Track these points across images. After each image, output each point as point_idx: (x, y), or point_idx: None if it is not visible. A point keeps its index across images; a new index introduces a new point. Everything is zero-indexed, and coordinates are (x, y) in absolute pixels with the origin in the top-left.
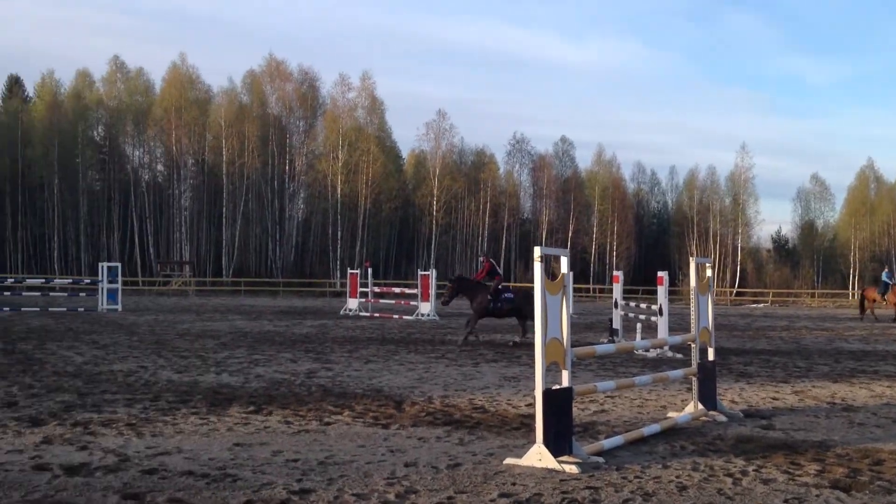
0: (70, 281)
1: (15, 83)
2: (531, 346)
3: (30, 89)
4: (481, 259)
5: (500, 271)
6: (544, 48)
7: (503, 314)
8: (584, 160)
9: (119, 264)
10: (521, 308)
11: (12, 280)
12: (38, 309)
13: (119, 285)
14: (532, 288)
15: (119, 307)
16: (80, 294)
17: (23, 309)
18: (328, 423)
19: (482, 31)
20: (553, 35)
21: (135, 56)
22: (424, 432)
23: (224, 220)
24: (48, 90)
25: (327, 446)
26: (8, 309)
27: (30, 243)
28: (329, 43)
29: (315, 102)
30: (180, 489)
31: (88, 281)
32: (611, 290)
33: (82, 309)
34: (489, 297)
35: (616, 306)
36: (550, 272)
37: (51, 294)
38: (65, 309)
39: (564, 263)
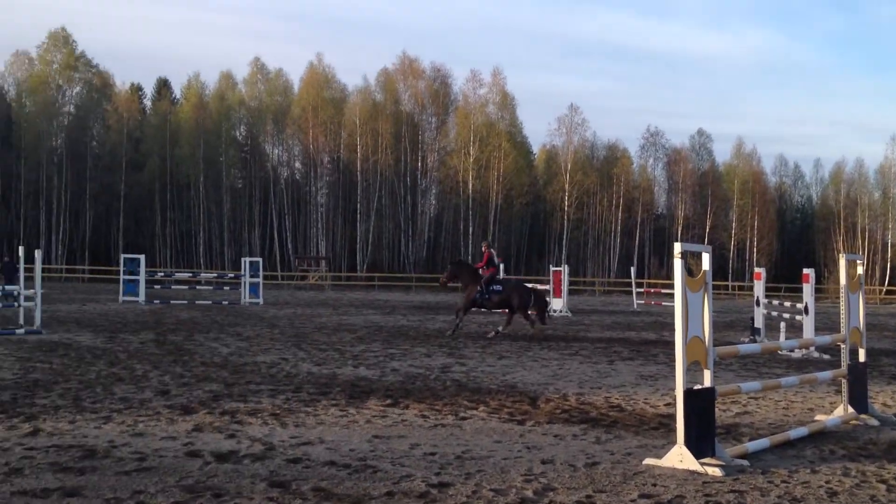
0: (215, 275)
1: (163, 85)
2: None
3: (177, 91)
4: (483, 246)
5: (498, 262)
6: (679, 38)
7: (492, 306)
8: (722, 153)
9: (260, 259)
10: (510, 300)
11: (162, 274)
12: (185, 302)
13: (260, 280)
14: (521, 281)
15: (260, 301)
16: (224, 288)
17: (172, 302)
18: (464, 418)
19: (614, 22)
20: (688, 24)
21: (275, 57)
22: (560, 430)
23: (358, 216)
24: (194, 92)
25: (463, 441)
26: (158, 302)
27: (177, 239)
28: (461, 39)
29: (447, 99)
30: (323, 479)
31: (232, 275)
32: (751, 288)
33: (226, 302)
34: (478, 288)
35: (758, 304)
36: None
37: (197, 287)
38: (210, 302)
39: (705, 260)
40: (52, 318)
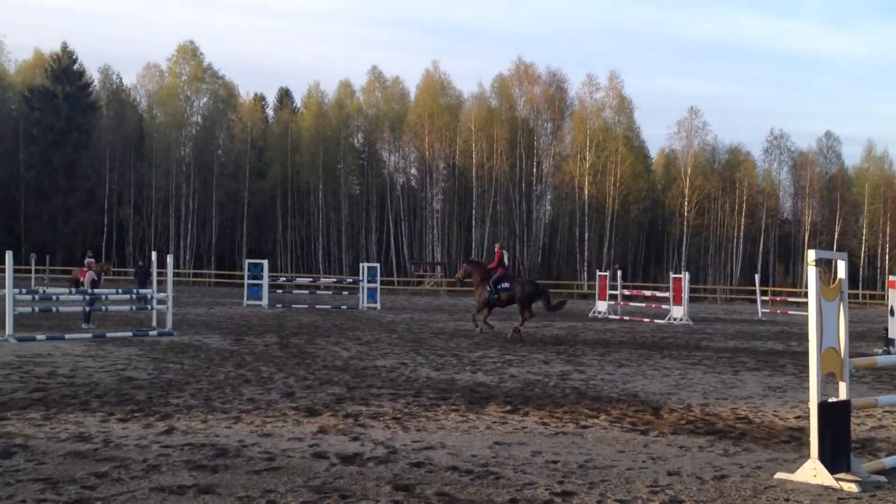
0: (334, 280)
1: (285, 95)
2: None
3: (298, 100)
4: (496, 247)
5: (507, 263)
6: (804, 37)
7: (503, 303)
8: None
9: (378, 265)
10: (516, 294)
11: (284, 279)
12: (306, 306)
13: (378, 285)
14: (530, 278)
15: (378, 305)
16: (343, 292)
17: (293, 306)
18: (585, 427)
19: (735, 22)
20: (813, 23)
21: (392, 66)
22: (685, 441)
23: (473, 221)
24: (314, 101)
25: (586, 450)
26: (280, 306)
27: (297, 244)
28: (576, 44)
29: (562, 104)
30: (447, 483)
31: (350, 280)
32: (883, 297)
33: (345, 307)
34: (488, 288)
35: (892, 314)
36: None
37: (317, 292)
38: (329, 306)
39: (841, 268)
40: (182, 321)
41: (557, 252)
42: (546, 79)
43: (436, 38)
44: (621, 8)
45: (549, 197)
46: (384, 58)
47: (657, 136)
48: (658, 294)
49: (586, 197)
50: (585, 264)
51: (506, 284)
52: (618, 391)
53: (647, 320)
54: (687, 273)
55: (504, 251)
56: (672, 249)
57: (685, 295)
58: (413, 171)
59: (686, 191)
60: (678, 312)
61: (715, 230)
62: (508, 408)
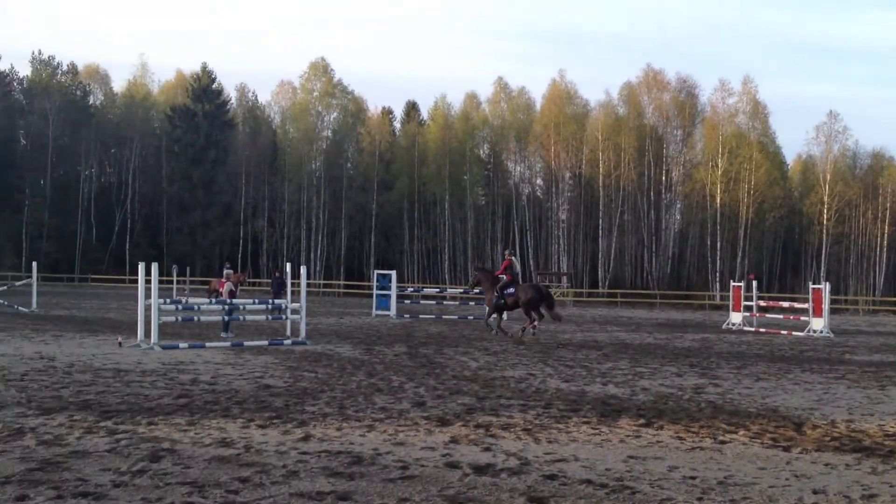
0: (461, 290)
1: (412, 108)
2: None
3: (424, 113)
4: (505, 254)
5: (518, 270)
6: None
7: (510, 308)
8: None
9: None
10: (521, 298)
11: (411, 289)
12: (433, 316)
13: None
14: (535, 283)
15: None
16: (470, 303)
17: (421, 316)
18: (723, 442)
19: (876, 23)
20: None
21: (517, 76)
22: (831, 458)
23: (600, 231)
24: (440, 113)
25: (724, 466)
26: (408, 316)
27: (424, 255)
28: (708, 49)
29: (693, 110)
30: (581, 497)
31: (477, 290)
32: None
33: (472, 317)
34: (495, 293)
35: None
36: None
37: (443, 302)
38: (456, 317)
39: None
40: (314, 330)
41: (688, 262)
42: (676, 85)
43: (562, 48)
44: (755, 10)
45: (678, 206)
46: (510, 69)
47: (794, 141)
48: (796, 305)
49: (718, 205)
50: (717, 274)
51: (510, 290)
52: (756, 406)
53: (784, 332)
54: (827, 283)
55: (513, 258)
56: (810, 259)
57: (826, 306)
58: (539, 181)
59: (825, 198)
60: (818, 324)
61: (856, 238)
62: (642, 421)
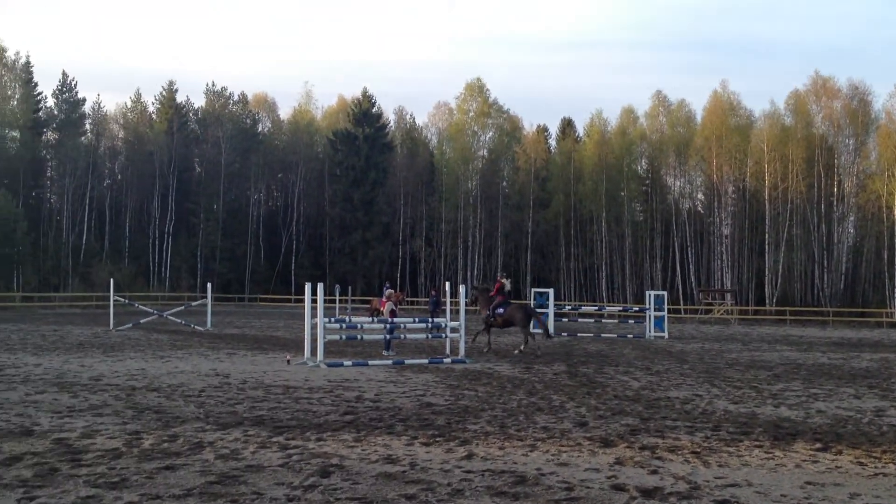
0: (619, 308)
1: (567, 125)
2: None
3: (580, 129)
4: (498, 276)
5: (509, 288)
6: None
7: (500, 326)
8: None
9: (664, 292)
10: (512, 318)
11: (569, 307)
12: (591, 335)
13: (665, 313)
14: (522, 301)
15: (665, 334)
16: (629, 321)
17: (579, 334)
18: None
19: None
20: None
21: (676, 88)
22: None
23: (766, 246)
24: (596, 129)
25: None
26: (566, 334)
27: (580, 272)
28: (881, 53)
29: (867, 118)
30: None
31: (637, 308)
32: None
33: (631, 335)
34: (488, 311)
35: None
36: None
37: (602, 320)
38: (615, 335)
39: None
40: (473, 349)
41: (863, 278)
42: (847, 92)
43: (723, 58)
44: None
45: (851, 218)
46: (667, 81)
47: None
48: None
49: (895, 217)
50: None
51: (500, 310)
52: None
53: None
54: None
55: (505, 280)
56: None
57: None
58: (700, 195)
59: None
60: None
61: None
62: (818, 445)
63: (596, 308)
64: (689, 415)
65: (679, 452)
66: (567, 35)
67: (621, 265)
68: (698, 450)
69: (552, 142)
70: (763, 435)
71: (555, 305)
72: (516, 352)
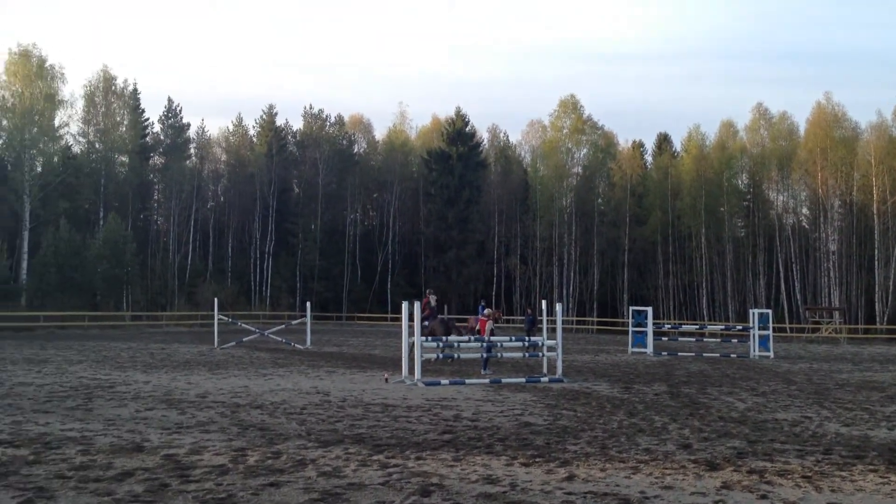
0: (721, 327)
1: (664, 140)
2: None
3: (677, 144)
4: (426, 293)
5: (434, 305)
6: None
7: (426, 334)
8: None
9: (769, 311)
10: (433, 330)
11: (668, 326)
12: (692, 354)
13: (770, 332)
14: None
15: (771, 354)
16: (731, 340)
17: (679, 354)
18: None
19: None
20: None
21: (778, 101)
22: None
23: (876, 262)
24: (694, 143)
25: None
26: (666, 353)
27: (679, 290)
28: None
29: None
30: None
31: (740, 327)
32: None
33: (734, 355)
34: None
35: None
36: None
37: (703, 339)
38: (717, 355)
39: None
40: (570, 368)
41: None
42: None
43: (825, 69)
44: None
45: None
46: (768, 94)
47: None
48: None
49: None
50: None
51: (426, 322)
52: None
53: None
54: None
55: (431, 296)
56: None
57: None
58: (804, 210)
59: None
60: None
61: None
62: None
63: (696, 327)
64: (799, 437)
65: (789, 476)
66: (662, 48)
67: (722, 282)
68: (809, 474)
69: (648, 157)
70: (877, 459)
71: (653, 324)
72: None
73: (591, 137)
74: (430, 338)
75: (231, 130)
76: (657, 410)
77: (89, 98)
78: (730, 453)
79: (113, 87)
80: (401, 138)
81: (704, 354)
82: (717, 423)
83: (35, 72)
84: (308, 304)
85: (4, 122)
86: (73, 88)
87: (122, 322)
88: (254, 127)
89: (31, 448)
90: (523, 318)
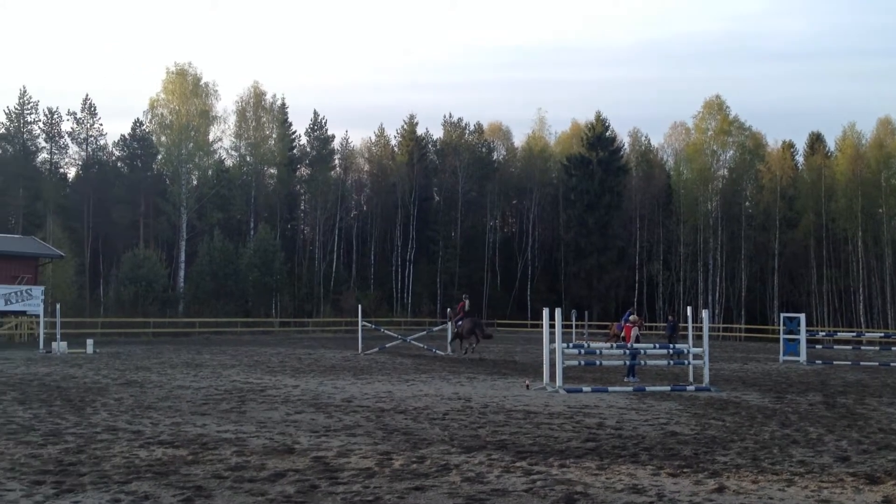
0: (881, 335)
1: (816, 140)
2: None
3: (830, 144)
4: (462, 297)
5: (468, 307)
6: None
7: (458, 334)
8: None
9: None
10: (463, 329)
11: (822, 333)
12: (849, 363)
13: None
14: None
15: None
16: (892, 348)
17: (834, 362)
18: None
19: None
20: None
21: None
22: None
23: None
24: (849, 142)
25: None
26: (820, 362)
27: (834, 296)
28: None
29: None
30: None
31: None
32: None
33: (895, 364)
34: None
35: None
36: None
37: (861, 348)
38: (877, 363)
39: None
40: (717, 376)
41: None
42: None
43: None
44: None
45: None
46: None
47: None
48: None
49: None
50: None
51: (460, 322)
52: None
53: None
54: None
55: (466, 300)
56: None
57: None
58: None
59: None
60: None
61: None
62: None
63: (853, 334)
64: None
65: None
66: (811, 44)
67: (881, 287)
68: None
69: (799, 158)
70: None
71: (806, 331)
72: (464, 353)
73: (738, 139)
74: (570, 344)
75: (373, 141)
76: (812, 421)
77: (241, 113)
78: (892, 467)
79: (263, 103)
80: (540, 144)
81: (862, 363)
82: (878, 436)
83: (191, 90)
84: (449, 310)
85: (163, 139)
86: (226, 104)
87: (271, 328)
88: (395, 137)
89: (189, 448)
90: (665, 324)
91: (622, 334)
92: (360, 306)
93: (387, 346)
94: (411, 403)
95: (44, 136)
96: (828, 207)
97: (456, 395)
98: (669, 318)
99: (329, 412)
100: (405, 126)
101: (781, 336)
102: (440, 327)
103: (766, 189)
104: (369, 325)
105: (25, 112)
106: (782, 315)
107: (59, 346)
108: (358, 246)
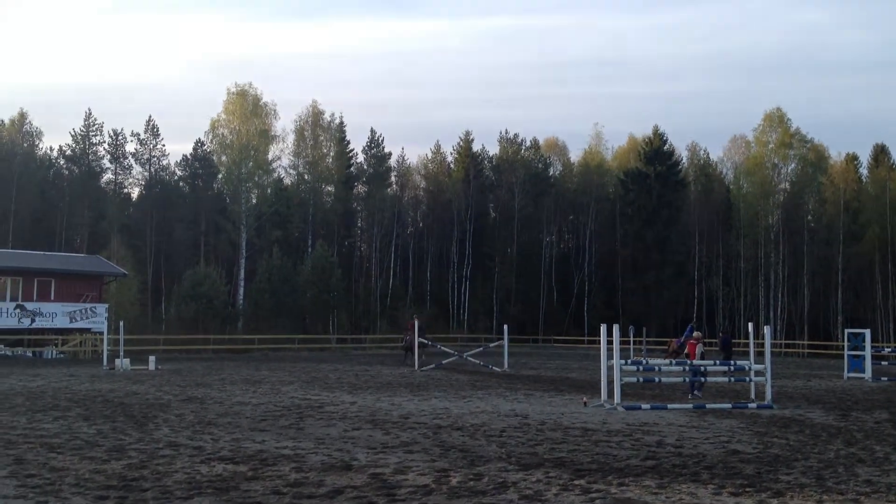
0: None
1: (881, 152)
2: None
3: (895, 156)
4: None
5: (419, 325)
6: None
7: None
8: None
9: None
10: (410, 345)
11: (889, 350)
12: None
13: None
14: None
15: None
16: None
17: None
18: None
19: None
20: None
21: None
22: None
23: None
24: None
25: None
26: (886, 379)
27: None
28: None
29: None
30: None
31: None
32: None
33: None
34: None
35: None
36: None
37: None
38: None
39: None
40: (780, 393)
41: None
42: None
43: None
44: None
45: None
46: None
47: None
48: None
49: None
50: None
51: (408, 336)
52: None
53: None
54: None
55: (416, 321)
56: None
57: None
58: None
59: None
60: None
61: None
62: None
63: None
64: None
65: None
66: (875, 56)
67: None
68: None
69: (863, 170)
70: None
71: (872, 347)
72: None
73: (800, 151)
74: (629, 361)
75: (429, 158)
76: (878, 440)
77: (299, 132)
78: None
79: (321, 121)
80: (596, 160)
81: None
82: None
83: (251, 110)
84: (505, 326)
85: (224, 158)
86: (285, 123)
87: (328, 345)
88: (451, 153)
89: (249, 464)
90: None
91: (685, 351)
92: (416, 323)
93: (443, 362)
94: (468, 420)
95: (108, 157)
96: (893, 221)
97: (513, 412)
98: (720, 333)
99: (386, 429)
100: (461, 142)
101: (846, 352)
102: (496, 343)
103: (829, 202)
104: (426, 342)
105: (91, 134)
106: (847, 331)
107: (122, 363)
108: (414, 262)
